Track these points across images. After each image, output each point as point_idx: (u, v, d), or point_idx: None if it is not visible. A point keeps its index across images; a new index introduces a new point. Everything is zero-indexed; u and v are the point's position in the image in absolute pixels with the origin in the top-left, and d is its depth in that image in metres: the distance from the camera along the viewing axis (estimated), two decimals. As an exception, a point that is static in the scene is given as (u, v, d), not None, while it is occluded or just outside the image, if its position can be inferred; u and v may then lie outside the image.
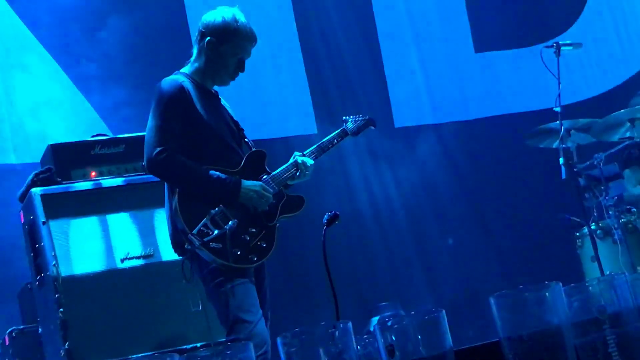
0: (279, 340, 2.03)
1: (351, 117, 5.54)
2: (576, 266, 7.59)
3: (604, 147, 7.75)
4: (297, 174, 5.05)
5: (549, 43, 7.60)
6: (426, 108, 9.30)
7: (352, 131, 5.47)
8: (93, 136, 6.22)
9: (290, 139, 8.03)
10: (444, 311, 1.96)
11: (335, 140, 5.35)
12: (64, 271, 5.50)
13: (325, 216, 4.70)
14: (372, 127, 5.62)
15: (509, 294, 1.92)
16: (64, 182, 5.81)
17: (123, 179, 5.92)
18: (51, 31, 7.64)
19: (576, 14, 9.80)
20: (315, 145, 5.24)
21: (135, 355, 5.39)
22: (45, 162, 6.01)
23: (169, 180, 4.81)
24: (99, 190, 5.82)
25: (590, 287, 2.02)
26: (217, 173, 4.74)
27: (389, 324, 2.05)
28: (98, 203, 5.76)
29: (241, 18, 4.98)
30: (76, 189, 5.77)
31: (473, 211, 9.03)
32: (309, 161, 5.09)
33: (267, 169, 5.03)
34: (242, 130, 5.16)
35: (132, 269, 5.68)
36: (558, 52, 7.42)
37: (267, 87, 8.55)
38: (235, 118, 5.16)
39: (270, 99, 8.57)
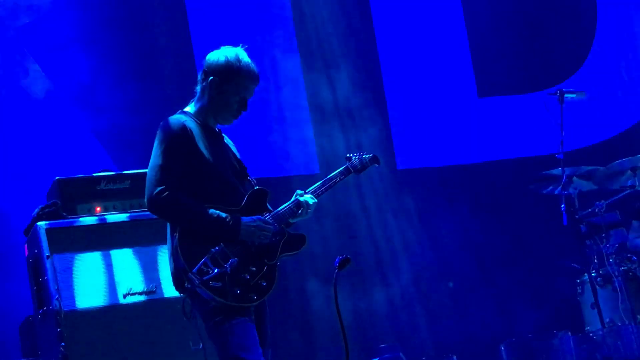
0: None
1: (355, 154, 5.52)
2: (576, 313, 7.59)
3: (606, 194, 7.80)
4: (299, 212, 5.04)
5: (553, 90, 7.67)
6: (429, 151, 9.34)
7: (355, 168, 5.40)
8: (99, 171, 6.26)
9: (292, 178, 8.05)
10: (455, 357, 1.99)
11: (338, 178, 5.30)
12: (67, 305, 5.52)
13: (337, 259, 4.71)
14: (377, 165, 5.58)
15: (519, 342, 1.95)
16: (69, 216, 5.84)
17: (128, 214, 5.94)
18: (60, 65, 7.70)
19: (580, 61, 9.86)
20: (318, 183, 5.21)
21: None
22: (51, 196, 6.05)
23: (170, 219, 4.81)
24: (103, 226, 5.84)
25: (597, 337, 2.05)
26: (217, 212, 4.74)
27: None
28: (102, 238, 5.79)
29: (244, 58, 5.01)
30: (81, 224, 5.80)
31: (474, 255, 9.03)
32: (311, 200, 5.08)
33: (269, 207, 5.04)
34: (245, 168, 5.17)
35: (134, 305, 5.70)
36: (561, 100, 7.49)
37: (271, 126, 8.60)
38: (238, 156, 5.18)
39: (274, 138, 8.62)
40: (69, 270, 5.62)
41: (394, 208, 8.88)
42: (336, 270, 4.68)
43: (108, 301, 5.66)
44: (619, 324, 6.18)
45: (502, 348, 1.72)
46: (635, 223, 8.01)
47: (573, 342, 1.80)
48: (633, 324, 5.11)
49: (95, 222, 5.84)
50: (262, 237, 4.82)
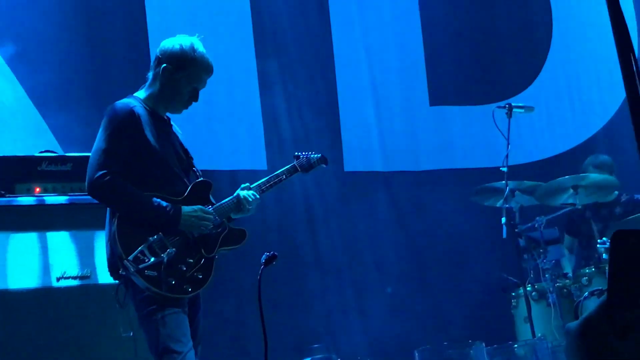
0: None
1: (303, 153, 5.51)
2: (509, 326, 7.66)
3: (546, 210, 7.89)
4: (241, 207, 5.04)
5: (502, 103, 7.74)
6: (377, 155, 9.35)
7: (303, 167, 5.41)
8: (41, 152, 6.19)
9: (239, 173, 8.03)
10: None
11: (284, 176, 5.30)
12: (-2, 285, 5.47)
13: (264, 256, 4.72)
14: (324, 166, 5.57)
15: (433, 350, 1.97)
16: (7, 195, 5.76)
17: (67, 197, 5.88)
18: (10, 43, 7.60)
19: (532, 77, 9.95)
20: (263, 179, 5.21)
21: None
22: (-11, 174, 5.97)
23: (109, 203, 4.78)
24: (41, 207, 5.78)
25: (512, 350, 2.07)
26: (159, 200, 4.72)
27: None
28: (39, 219, 5.73)
29: (199, 48, 4.98)
30: (18, 203, 5.73)
31: (413, 261, 9.07)
32: (252, 196, 5.06)
33: (212, 199, 5.02)
34: (192, 158, 5.14)
35: (67, 289, 5.66)
36: (510, 113, 7.58)
37: (221, 119, 8.55)
38: (185, 146, 5.16)
39: (223, 131, 8.58)
40: (3, 250, 5.56)
41: (338, 209, 8.90)
42: (262, 267, 4.70)
43: (41, 283, 5.61)
44: (534, 338, 6.26)
45: (416, 354, 1.73)
46: (567, 238, 8.21)
47: (487, 353, 1.82)
48: (548, 340, 5.13)
49: (33, 203, 5.78)
50: (202, 228, 4.80)
